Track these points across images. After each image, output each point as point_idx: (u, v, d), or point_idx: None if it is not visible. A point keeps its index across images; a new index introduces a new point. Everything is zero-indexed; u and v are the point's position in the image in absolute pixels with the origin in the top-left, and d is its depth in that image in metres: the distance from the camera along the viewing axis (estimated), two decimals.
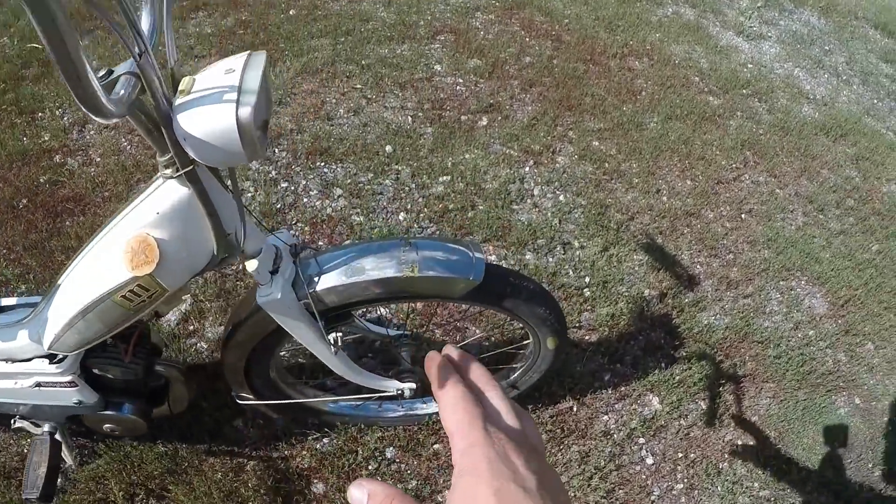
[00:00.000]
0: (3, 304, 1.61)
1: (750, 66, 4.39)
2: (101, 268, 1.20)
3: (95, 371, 1.60)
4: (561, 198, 2.98)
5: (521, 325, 1.73)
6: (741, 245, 3.04)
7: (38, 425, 1.70)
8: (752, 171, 3.48)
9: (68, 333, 1.30)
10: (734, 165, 3.47)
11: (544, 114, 3.39)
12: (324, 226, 2.62)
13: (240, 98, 0.92)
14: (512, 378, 1.99)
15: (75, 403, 1.59)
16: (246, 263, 1.32)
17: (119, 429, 1.75)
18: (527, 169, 3.08)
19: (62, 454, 1.77)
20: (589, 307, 2.59)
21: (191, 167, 1.03)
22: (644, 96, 3.74)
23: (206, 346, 2.22)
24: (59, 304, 1.31)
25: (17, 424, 1.69)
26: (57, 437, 1.69)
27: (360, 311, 1.81)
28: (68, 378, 1.50)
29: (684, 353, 2.54)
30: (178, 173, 1.05)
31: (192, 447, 1.99)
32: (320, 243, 2.56)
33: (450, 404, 0.49)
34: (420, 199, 2.80)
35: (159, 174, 1.10)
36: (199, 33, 3.54)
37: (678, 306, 2.68)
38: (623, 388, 2.37)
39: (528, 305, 1.58)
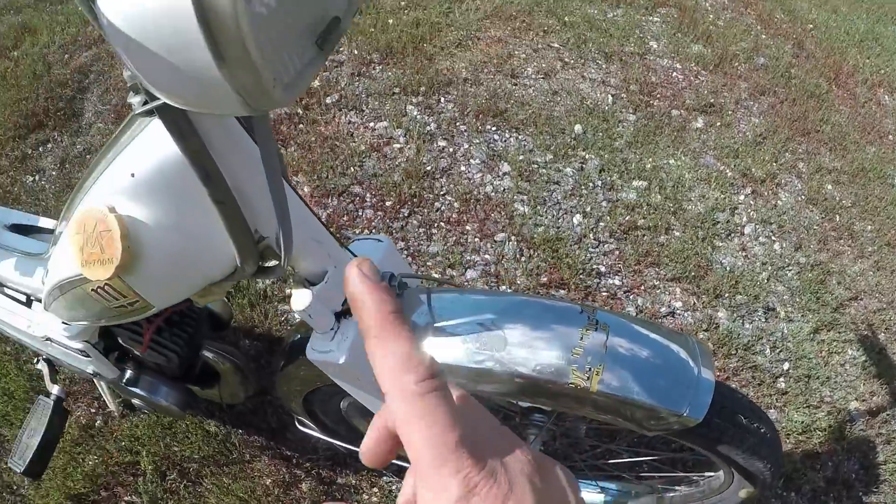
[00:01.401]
0: (41, 224, 1.24)
1: None
2: (69, 239, 0.73)
3: (121, 342, 1.22)
4: (776, 247, 2.25)
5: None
6: None
7: (54, 380, 1.36)
8: None
9: (56, 302, 0.87)
10: None
11: (774, 132, 2.63)
12: (477, 207, 2.02)
13: None
14: (666, 496, 1.44)
15: (91, 373, 1.25)
16: (293, 294, 0.78)
17: (149, 408, 1.43)
18: (741, 197, 2.35)
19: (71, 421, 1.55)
20: (780, 404, 1.90)
21: (160, 100, 0.52)
22: (892, 140, 2.90)
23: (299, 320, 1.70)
24: (55, 258, 0.89)
25: (38, 366, 1.39)
26: (65, 405, 1.36)
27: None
28: (79, 346, 1.14)
29: (876, 501, 1.84)
30: (146, 106, 0.55)
31: (247, 439, 1.60)
32: (447, 274, 1.95)
33: (412, 419, 0.31)
34: (604, 204, 2.14)
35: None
36: None
37: (886, 435, 1.96)
38: None
39: (748, 456, 1.00)
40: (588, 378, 0.80)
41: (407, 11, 2.64)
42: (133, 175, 0.66)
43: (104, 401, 1.60)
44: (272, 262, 0.76)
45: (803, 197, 2.46)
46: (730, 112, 2.66)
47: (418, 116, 2.26)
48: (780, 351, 2.00)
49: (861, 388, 2.02)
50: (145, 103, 0.55)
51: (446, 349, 0.83)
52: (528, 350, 0.81)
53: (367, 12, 2.58)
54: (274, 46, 0.44)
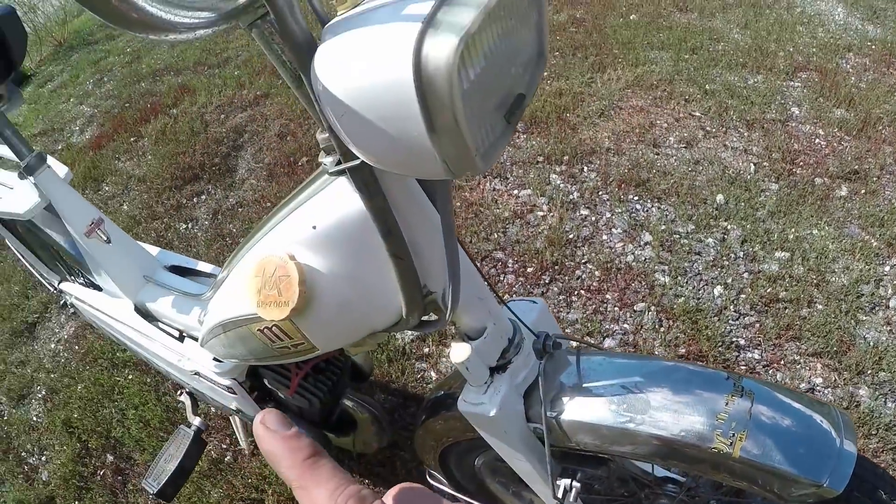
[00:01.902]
0: (199, 267, 1.37)
1: None
2: (243, 280, 0.81)
3: (266, 383, 1.31)
4: None
5: None
6: None
7: (196, 412, 1.47)
8: None
9: (215, 340, 0.96)
10: None
11: None
12: (618, 276, 2.09)
13: (435, 17, 0.44)
14: None
15: (234, 409, 1.34)
16: (453, 347, 0.83)
17: None
18: (887, 269, 2.31)
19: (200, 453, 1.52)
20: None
21: (358, 160, 0.58)
22: None
23: (435, 377, 1.80)
24: (218, 299, 0.98)
25: (181, 398, 1.50)
26: (203, 436, 1.45)
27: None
28: (227, 382, 1.22)
29: None
30: (340, 166, 0.61)
31: (373, 489, 1.60)
32: (600, 340, 2.02)
33: None
34: (745, 275, 2.17)
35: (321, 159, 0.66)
36: None
37: None
38: None
39: None
40: (731, 444, 0.81)
41: (550, 81, 2.76)
42: (315, 227, 0.70)
43: (236, 438, 1.69)
44: (433, 317, 0.80)
45: None
46: (875, 178, 2.61)
47: (561, 185, 2.36)
48: None
49: None
50: (338, 164, 0.62)
51: (590, 409, 0.87)
52: (671, 414, 0.83)
53: None
54: (475, 119, 0.48)
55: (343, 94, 0.47)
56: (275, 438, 0.33)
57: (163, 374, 1.62)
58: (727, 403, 0.84)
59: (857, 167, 2.64)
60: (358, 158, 0.57)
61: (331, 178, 0.69)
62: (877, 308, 2.21)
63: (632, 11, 3.30)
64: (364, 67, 0.45)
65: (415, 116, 0.44)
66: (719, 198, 2.38)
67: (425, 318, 0.81)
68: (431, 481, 1.40)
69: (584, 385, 0.89)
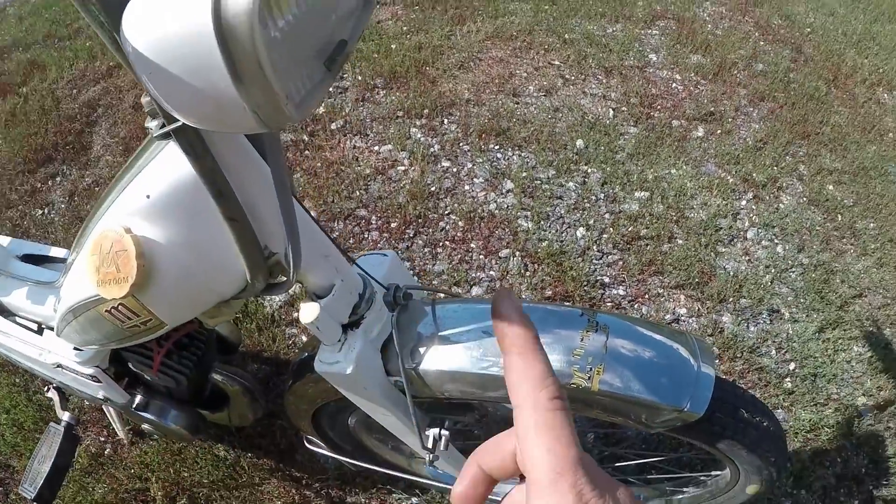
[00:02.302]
0: (52, 253, 1.27)
1: None
2: (84, 261, 0.75)
3: (131, 367, 1.23)
4: (779, 249, 2.25)
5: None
6: None
7: (65, 407, 1.38)
8: None
9: (69, 327, 0.89)
10: None
11: (774, 136, 2.64)
12: (481, 225, 2.04)
13: None
14: (674, 498, 1.41)
15: (101, 398, 1.24)
16: (302, 307, 0.79)
17: (159, 433, 1.42)
18: (743, 203, 2.36)
19: (75, 449, 1.44)
20: (787, 404, 1.91)
21: (179, 121, 0.55)
22: (892, 139, 2.89)
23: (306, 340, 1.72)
24: (67, 284, 0.90)
25: (49, 394, 1.41)
26: (75, 431, 1.36)
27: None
28: (90, 371, 1.14)
29: (887, 494, 1.84)
30: (163, 129, 0.57)
31: (256, 462, 1.59)
32: (447, 286, 1.97)
33: (541, 428, 0.33)
34: (607, 216, 2.17)
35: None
36: None
37: (894, 429, 1.96)
38: None
39: (751, 450, 1.00)
40: (589, 378, 0.80)
41: (409, 36, 2.68)
42: (148, 196, 0.67)
43: (114, 429, 1.60)
44: (281, 279, 0.78)
45: (805, 199, 2.47)
46: (730, 119, 2.67)
47: (422, 138, 2.29)
48: (786, 351, 2.01)
49: (868, 384, 2.02)
50: (163, 126, 0.58)
51: (449, 356, 0.85)
52: None
53: (371, 38, 2.63)
54: (286, 67, 0.47)
55: (148, 50, 0.44)
56: (516, 309, 0.39)
57: (30, 373, 1.49)
58: (583, 339, 0.83)
59: (712, 109, 2.69)
60: (178, 120, 0.54)
61: (161, 144, 0.66)
62: (735, 240, 2.25)
63: None
64: (165, 20, 0.43)
65: (219, 67, 0.42)
66: (579, 143, 2.36)
67: (273, 281, 0.78)
68: (310, 446, 1.35)
69: (441, 333, 0.87)
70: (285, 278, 0.76)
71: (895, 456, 1.90)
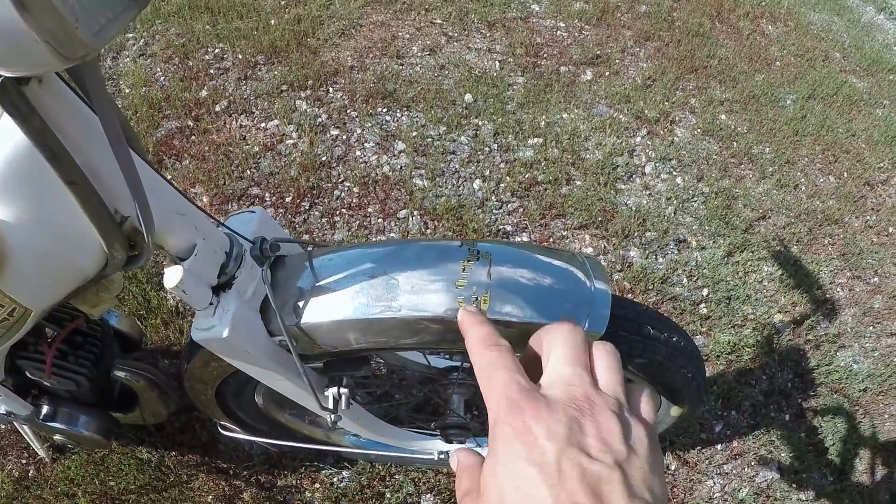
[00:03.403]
0: None
1: None
2: None
3: (28, 375, 1.10)
4: (678, 181, 2.21)
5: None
6: (888, 267, 2.25)
7: None
8: None
9: None
10: (882, 164, 2.64)
11: (662, 73, 2.61)
12: (377, 188, 1.94)
13: None
14: None
15: (4, 413, 1.14)
16: (166, 273, 0.70)
17: (73, 442, 1.28)
18: (638, 139, 2.31)
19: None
20: (705, 329, 1.87)
21: None
22: (779, 66, 2.91)
23: None
24: None
25: None
26: None
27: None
28: None
29: (816, 405, 1.84)
30: None
31: (181, 459, 1.49)
32: (335, 237, 1.87)
33: (482, 368, 0.40)
34: (503, 165, 2.08)
35: None
36: None
37: (813, 340, 1.96)
38: (736, 445, 1.71)
39: (665, 368, 0.94)
40: (479, 305, 0.73)
41: (288, 10, 2.54)
42: None
43: (33, 450, 1.49)
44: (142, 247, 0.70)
45: (699, 130, 2.44)
46: (617, 61, 2.62)
47: (308, 109, 2.16)
48: (697, 279, 1.97)
49: (782, 301, 2.00)
50: None
51: (330, 307, 0.76)
52: (410, 294, 0.74)
53: (248, 16, 2.48)
54: None
55: None
56: (469, 316, 0.45)
57: None
58: (464, 269, 0.75)
59: (599, 52, 2.64)
60: None
61: None
62: (633, 176, 2.20)
63: None
64: None
65: None
66: (468, 97, 2.27)
67: (134, 253, 0.70)
68: (225, 433, 1.25)
69: (320, 284, 0.78)
70: (139, 247, 0.68)
71: (818, 367, 1.88)
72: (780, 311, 1.98)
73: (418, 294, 0.74)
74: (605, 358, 0.40)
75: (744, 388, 1.79)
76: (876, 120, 2.85)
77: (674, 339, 0.92)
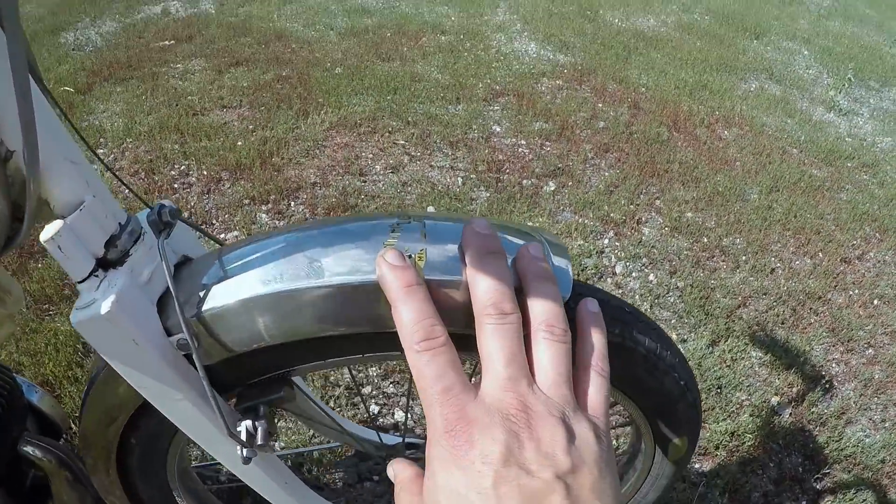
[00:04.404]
0: None
1: (849, 139, 3.59)
2: None
3: None
4: (651, 278, 2.16)
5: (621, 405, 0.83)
6: (880, 337, 2.17)
7: None
8: (877, 248, 2.65)
9: None
10: (855, 242, 2.62)
11: (624, 179, 2.63)
12: None
13: None
14: None
15: None
16: (45, 228, 0.56)
17: None
18: (606, 241, 2.28)
19: None
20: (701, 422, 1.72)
21: None
22: (739, 166, 2.96)
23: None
24: None
25: None
26: None
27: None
28: None
29: (832, 485, 1.67)
30: None
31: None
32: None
33: (414, 371, 0.36)
34: None
35: None
36: (234, 86, 2.95)
37: (817, 419, 1.84)
38: None
39: (648, 372, 0.73)
40: (416, 261, 0.55)
41: (255, 132, 2.60)
42: None
43: None
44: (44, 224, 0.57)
45: (667, 228, 2.42)
46: (578, 171, 2.64)
47: (268, 220, 2.15)
48: None
49: (777, 383, 1.89)
50: None
51: (245, 286, 0.61)
52: (337, 262, 0.59)
53: (217, 137, 2.53)
54: None
55: None
56: (386, 265, 0.40)
57: None
58: (394, 230, 0.59)
59: (560, 164, 2.67)
60: None
61: None
62: (604, 276, 2.15)
63: (336, 66, 3.27)
64: None
65: None
66: (430, 209, 2.26)
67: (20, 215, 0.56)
68: None
69: (229, 271, 0.64)
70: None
71: (827, 445, 1.75)
72: (776, 394, 1.86)
73: (341, 262, 0.59)
74: (549, 348, 0.37)
75: (751, 477, 1.64)
76: (841, 203, 2.86)
77: (654, 330, 0.73)
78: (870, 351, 2.11)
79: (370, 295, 0.56)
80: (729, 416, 1.77)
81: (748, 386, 1.86)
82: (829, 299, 2.27)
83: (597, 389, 0.37)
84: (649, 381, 0.73)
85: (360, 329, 0.61)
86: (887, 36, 5.79)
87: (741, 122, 3.39)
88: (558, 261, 0.61)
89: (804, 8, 6.00)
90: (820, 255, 2.48)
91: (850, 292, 2.34)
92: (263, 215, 2.16)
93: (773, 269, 2.33)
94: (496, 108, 3.05)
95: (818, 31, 5.31)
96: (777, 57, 4.52)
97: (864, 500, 1.63)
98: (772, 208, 2.66)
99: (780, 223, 2.58)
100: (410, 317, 0.37)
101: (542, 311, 0.38)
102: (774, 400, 1.85)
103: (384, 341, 0.63)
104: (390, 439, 1.05)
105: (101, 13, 3.96)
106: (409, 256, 0.56)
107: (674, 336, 1.97)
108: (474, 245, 0.42)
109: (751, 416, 1.77)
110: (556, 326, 0.38)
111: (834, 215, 2.75)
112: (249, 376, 0.70)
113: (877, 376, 2.01)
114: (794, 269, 2.36)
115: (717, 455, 1.67)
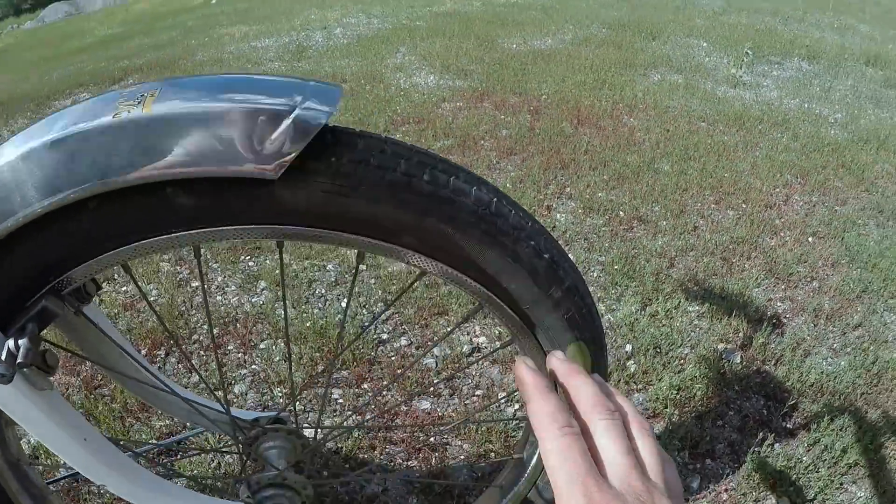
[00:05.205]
0: None
1: (756, 106, 3.59)
2: None
3: None
4: (570, 257, 2.02)
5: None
6: (822, 269, 2.08)
7: None
8: (801, 191, 2.58)
9: None
10: (779, 190, 2.55)
11: (530, 174, 2.55)
12: (237, 325, 1.71)
13: None
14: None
15: None
16: None
17: None
18: None
19: None
20: (640, 385, 1.58)
21: None
22: (647, 145, 2.89)
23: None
24: None
25: None
26: None
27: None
28: None
29: (803, 419, 1.53)
30: None
31: None
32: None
33: (556, 453, 0.38)
34: (372, 281, 1.88)
35: None
36: None
37: (771, 357, 1.70)
38: (726, 498, 1.34)
39: (493, 239, 0.54)
40: (139, 103, 0.47)
41: None
42: None
43: None
44: None
45: (580, 210, 2.31)
46: (485, 175, 2.55)
47: (170, 269, 1.98)
48: (616, 338, 1.72)
49: (721, 330, 1.76)
50: None
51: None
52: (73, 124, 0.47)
53: None
54: None
55: None
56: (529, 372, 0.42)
57: None
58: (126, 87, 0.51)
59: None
60: None
61: None
62: None
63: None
64: None
65: None
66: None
67: None
68: None
69: None
70: None
71: (787, 379, 1.62)
72: (722, 341, 1.73)
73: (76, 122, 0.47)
74: (645, 440, 0.40)
75: (712, 429, 1.47)
76: (758, 158, 2.81)
77: (486, 186, 0.55)
78: (814, 283, 2.00)
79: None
80: (671, 371, 1.62)
81: (689, 339, 1.73)
82: (761, 243, 2.17)
83: (672, 472, 0.41)
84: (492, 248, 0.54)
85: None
86: (781, 18, 5.96)
87: (645, 107, 3.35)
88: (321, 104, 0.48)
89: (699, 10, 6.15)
90: (743, 205, 2.39)
91: (782, 234, 2.25)
92: (165, 264, 2.00)
93: (695, 227, 2.23)
94: (397, 135, 2.96)
95: (714, 26, 5.42)
96: (676, 52, 4.57)
97: (843, 426, 1.47)
98: (686, 174, 2.59)
99: (696, 185, 2.50)
100: (552, 408, 0.40)
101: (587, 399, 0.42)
102: (721, 346, 1.71)
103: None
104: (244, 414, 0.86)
105: (13, 114, 3.86)
106: (141, 96, 0.47)
107: (601, 308, 1.84)
108: (562, 369, 0.45)
109: (697, 365, 1.62)
110: (644, 422, 0.42)
111: (751, 169, 2.69)
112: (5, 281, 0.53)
113: (827, 305, 1.89)
114: (717, 223, 2.26)
115: (665, 415, 1.51)
